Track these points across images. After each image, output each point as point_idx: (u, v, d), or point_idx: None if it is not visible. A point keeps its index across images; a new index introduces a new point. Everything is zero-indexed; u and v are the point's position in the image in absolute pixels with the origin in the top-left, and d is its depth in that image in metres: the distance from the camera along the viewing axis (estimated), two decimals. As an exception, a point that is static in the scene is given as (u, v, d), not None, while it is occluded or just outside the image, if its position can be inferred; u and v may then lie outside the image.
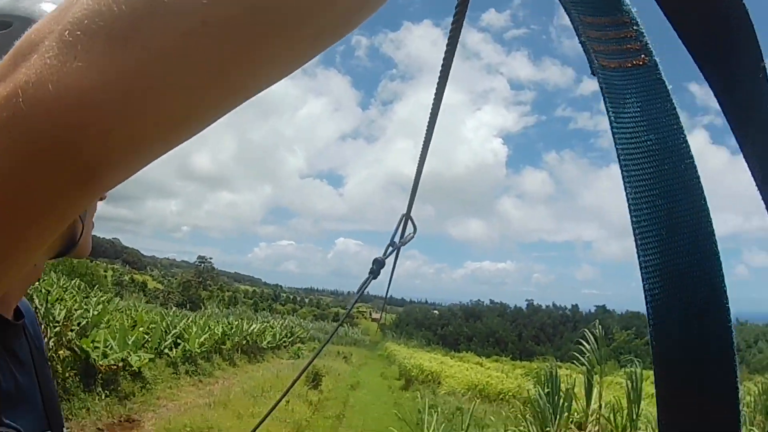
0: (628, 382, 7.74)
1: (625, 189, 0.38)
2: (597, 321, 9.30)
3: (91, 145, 0.30)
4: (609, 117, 0.41)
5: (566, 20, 0.46)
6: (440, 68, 0.77)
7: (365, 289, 1.11)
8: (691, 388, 0.36)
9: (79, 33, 0.29)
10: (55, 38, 0.30)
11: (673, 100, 0.39)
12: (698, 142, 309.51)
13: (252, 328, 27.10)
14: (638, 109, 0.40)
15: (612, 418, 7.99)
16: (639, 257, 0.37)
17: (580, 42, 0.45)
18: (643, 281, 0.37)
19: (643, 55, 0.41)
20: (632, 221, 0.38)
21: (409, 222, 1.19)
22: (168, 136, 0.33)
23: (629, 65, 0.41)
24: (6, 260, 0.34)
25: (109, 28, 0.28)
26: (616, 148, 0.40)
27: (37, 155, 0.30)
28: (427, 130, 0.92)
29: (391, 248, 1.15)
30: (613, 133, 0.41)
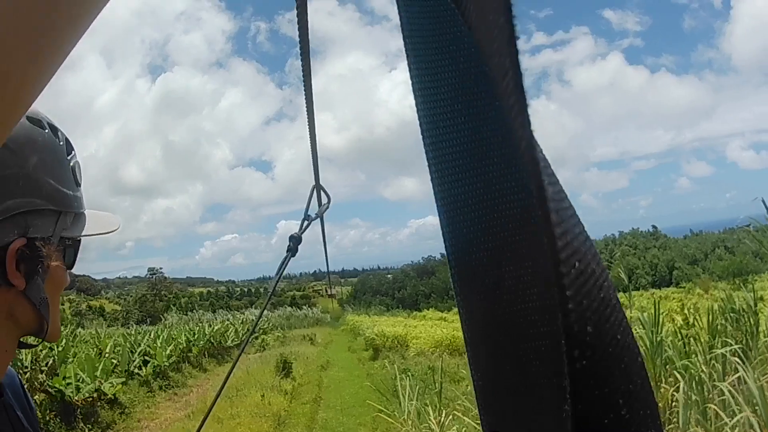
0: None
1: (420, 120, 0.40)
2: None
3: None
4: (405, 45, 0.40)
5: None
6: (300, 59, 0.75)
7: (285, 268, 1.08)
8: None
9: None
10: None
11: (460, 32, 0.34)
12: (616, 64, 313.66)
13: (214, 329, 27.06)
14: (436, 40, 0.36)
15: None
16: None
17: None
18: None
19: None
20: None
21: (322, 193, 1.17)
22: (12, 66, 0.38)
23: None
24: None
25: None
26: (412, 80, 0.40)
27: None
28: (306, 103, 0.89)
29: (306, 222, 1.11)
30: (409, 62, 0.40)
